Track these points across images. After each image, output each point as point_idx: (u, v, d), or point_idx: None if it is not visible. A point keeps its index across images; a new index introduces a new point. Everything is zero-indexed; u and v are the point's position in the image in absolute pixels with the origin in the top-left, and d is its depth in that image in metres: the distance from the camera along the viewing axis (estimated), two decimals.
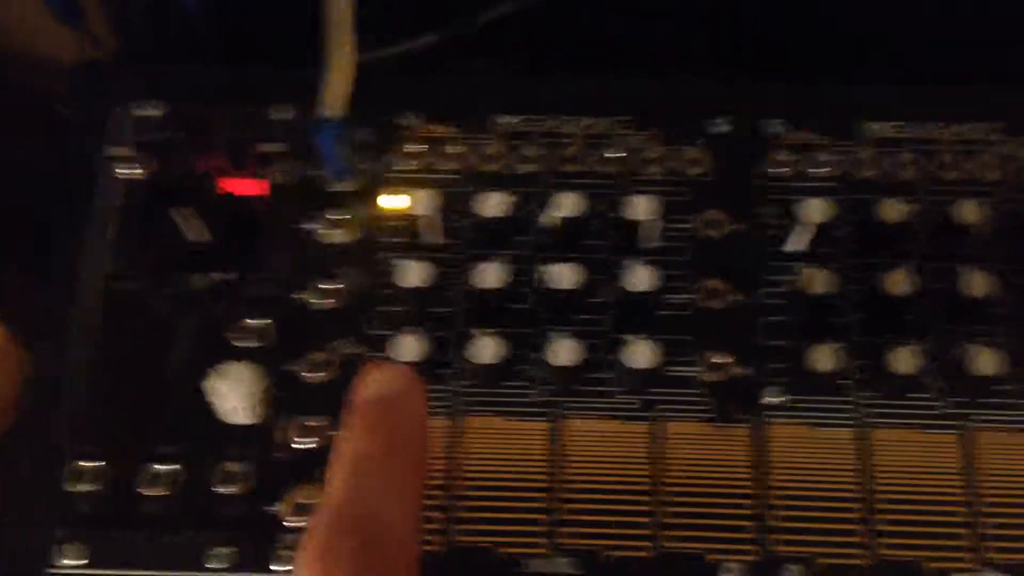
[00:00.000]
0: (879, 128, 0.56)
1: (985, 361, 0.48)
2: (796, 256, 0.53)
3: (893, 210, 0.51)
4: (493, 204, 0.52)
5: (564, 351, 0.49)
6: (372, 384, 0.41)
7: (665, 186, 0.55)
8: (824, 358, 0.48)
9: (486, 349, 0.49)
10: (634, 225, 0.52)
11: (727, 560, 0.47)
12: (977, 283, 0.49)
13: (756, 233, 0.54)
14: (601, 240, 0.53)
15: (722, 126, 0.56)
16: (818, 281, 0.50)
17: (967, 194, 0.53)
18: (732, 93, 0.57)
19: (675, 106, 0.57)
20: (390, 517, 0.38)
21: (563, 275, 0.50)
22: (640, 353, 0.49)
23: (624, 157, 0.55)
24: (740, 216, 0.54)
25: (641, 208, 0.51)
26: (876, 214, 0.51)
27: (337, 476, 0.39)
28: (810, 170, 0.55)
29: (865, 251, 0.52)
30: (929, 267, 0.52)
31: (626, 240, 0.53)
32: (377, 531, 0.37)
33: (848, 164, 0.55)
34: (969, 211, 0.51)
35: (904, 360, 0.48)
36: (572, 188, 0.53)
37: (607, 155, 0.56)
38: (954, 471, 0.49)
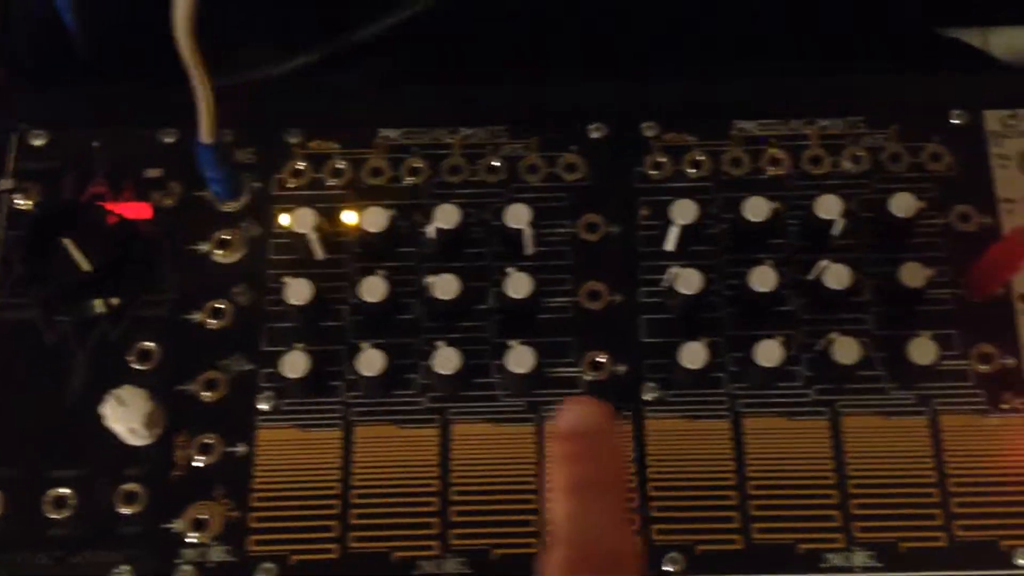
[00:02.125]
0: (748, 126, 0.59)
1: (849, 349, 0.52)
2: (671, 256, 0.56)
3: (758, 207, 0.54)
4: (375, 218, 0.55)
5: (448, 359, 0.52)
6: (574, 417, 0.44)
7: (544, 192, 0.58)
8: (696, 353, 0.52)
9: (374, 360, 0.52)
10: (514, 232, 0.55)
11: None
12: (838, 275, 0.53)
13: (633, 235, 0.57)
14: (483, 248, 0.56)
15: (598, 131, 0.59)
16: (689, 279, 0.53)
17: (833, 188, 0.56)
18: (608, 98, 0.60)
19: (552, 113, 0.60)
20: (617, 545, 0.41)
21: (445, 285, 0.53)
22: (522, 357, 0.52)
23: (504, 166, 0.58)
24: (618, 219, 0.57)
25: (519, 216, 0.55)
26: (743, 212, 0.54)
27: (562, 509, 0.41)
28: (686, 171, 0.58)
29: (735, 248, 0.56)
30: (795, 261, 0.55)
31: (508, 247, 0.56)
32: (610, 561, 0.40)
33: (720, 163, 0.58)
34: (829, 205, 0.54)
35: (771, 352, 0.52)
36: (454, 199, 0.56)
37: (488, 164, 0.58)
38: (824, 455, 0.53)
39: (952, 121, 0.58)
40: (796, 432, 0.53)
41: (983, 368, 0.53)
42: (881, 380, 0.53)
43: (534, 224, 0.56)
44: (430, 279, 0.53)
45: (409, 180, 0.58)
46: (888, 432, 0.53)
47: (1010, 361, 0.53)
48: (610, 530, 0.41)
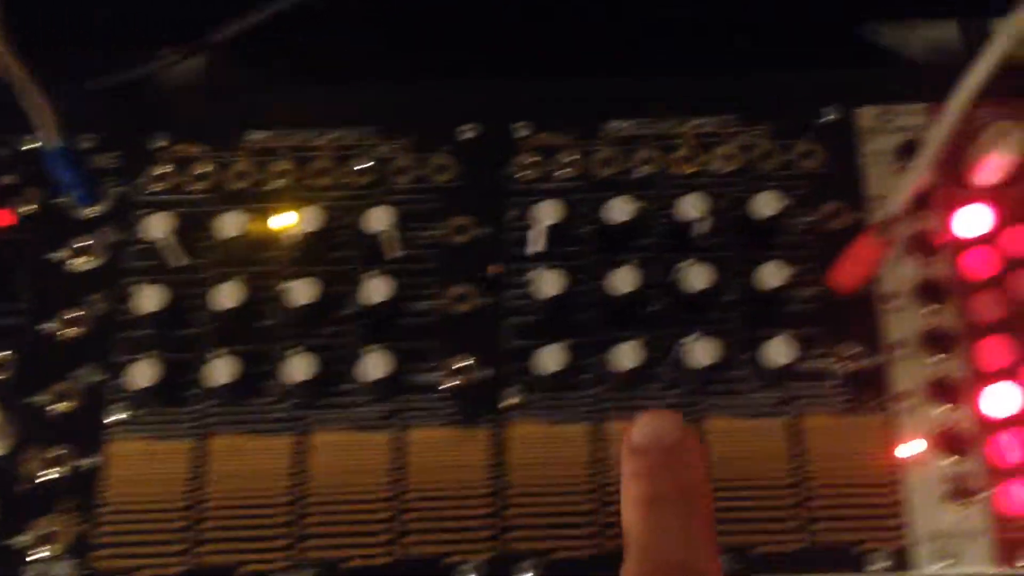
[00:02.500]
0: (619, 126, 0.59)
1: (708, 351, 0.52)
2: (538, 258, 0.56)
3: (621, 208, 0.54)
4: (233, 223, 0.54)
5: (303, 366, 0.52)
6: (650, 429, 0.44)
7: (413, 195, 0.57)
8: (554, 357, 0.52)
9: (227, 368, 0.52)
10: (376, 236, 0.55)
11: (464, 561, 0.51)
12: (697, 276, 0.53)
13: (502, 237, 0.56)
14: (347, 252, 0.56)
15: (469, 132, 0.59)
16: (548, 281, 0.53)
17: (703, 187, 0.56)
18: (480, 98, 0.60)
19: (424, 114, 0.59)
20: (695, 558, 0.41)
21: (303, 290, 0.53)
22: (378, 362, 0.52)
23: (373, 167, 0.58)
24: (487, 221, 0.57)
25: (381, 219, 0.54)
26: (606, 212, 0.54)
27: (636, 522, 0.42)
28: (555, 172, 0.58)
29: (601, 249, 0.55)
30: (661, 261, 0.55)
31: (372, 251, 0.56)
32: (695, 569, 0.40)
33: (591, 163, 0.58)
34: (692, 204, 0.54)
35: (628, 354, 0.52)
36: (320, 202, 0.56)
37: (356, 167, 0.58)
38: None
39: (824, 118, 0.58)
40: None
41: (845, 367, 0.52)
42: (744, 381, 0.53)
43: (400, 227, 0.55)
44: (288, 284, 0.52)
45: (275, 183, 0.57)
46: (749, 433, 0.52)
47: (873, 360, 0.53)
48: (685, 544, 0.41)
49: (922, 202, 0.56)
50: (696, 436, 0.46)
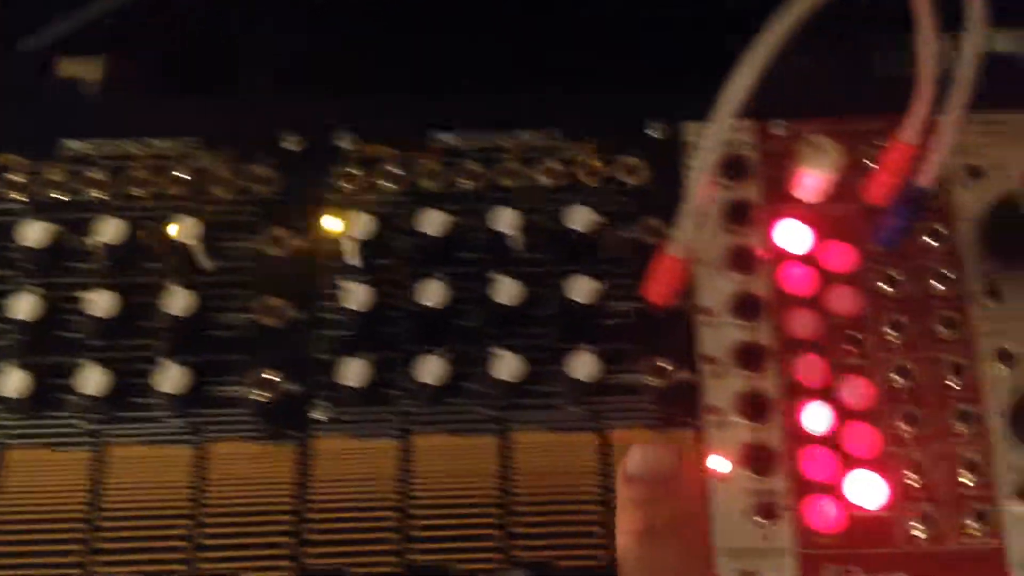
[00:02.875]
0: (447, 138, 0.59)
1: (516, 365, 0.51)
2: (356, 271, 0.55)
3: (434, 221, 0.54)
4: (35, 232, 0.53)
5: (97, 378, 0.51)
6: (646, 459, 0.45)
7: (234, 206, 0.57)
8: (358, 371, 0.51)
9: (19, 381, 0.51)
10: (183, 247, 0.54)
11: None
12: (510, 290, 0.52)
13: (320, 249, 0.56)
14: (153, 264, 0.55)
15: (293, 143, 0.58)
16: (357, 295, 0.52)
17: (525, 202, 0.56)
18: (306, 109, 0.59)
19: (246, 124, 0.59)
20: None
21: (102, 302, 0.52)
22: (175, 376, 0.51)
23: (193, 179, 0.57)
24: (305, 233, 0.56)
25: (188, 230, 0.54)
26: (419, 225, 0.54)
27: (630, 552, 0.43)
28: (379, 183, 0.57)
29: (417, 263, 0.55)
30: (474, 275, 0.55)
31: (185, 263, 0.55)
32: None
33: (415, 176, 0.58)
34: (506, 219, 0.54)
35: (434, 368, 0.51)
36: (132, 213, 0.56)
37: (176, 177, 0.57)
38: (491, 473, 0.52)
39: (649, 133, 0.58)
40: (465, 450, 0.52)
41: (656, 382, 0.52)
42: (554, 396, 0.52)
43: (214, 238, 0.54)
44: (87, 295, 0.52)
45: (90, 194, 0.56)
46: (558, 448, 0.52)
47: (684, 374, 0.53)
48: (681, 572, 0.42)
49: (743, 217, 0.55)
50: (693, 467, 0.47)
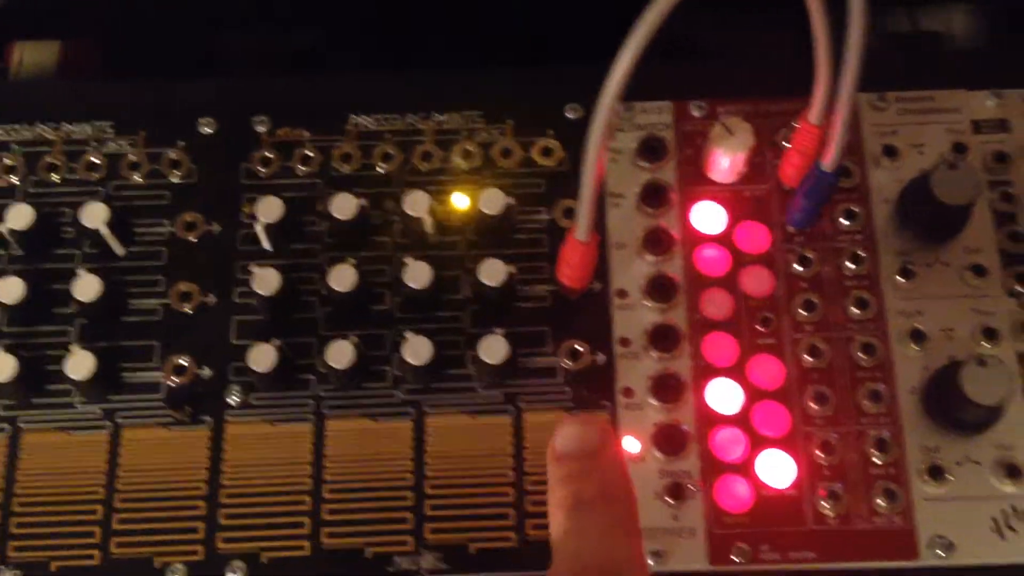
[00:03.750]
0: (364, 121, 0.59)
1: (428, 349, 0.52)
2: (269, 255, 0.56)
3: (345, 205, 0.55)
4: None
5: (8, 365, 0.51)
6: (571, 435, 0.45)
7: (147, 190, 0.58)
8: (266, 355, 0.52)
9: None
10: (95, 233, 0.55)
11: (174, 562, 0.51)
12: (417, 274, 0.53)
13: (233, 234, 0.57)
14: (70, 250, 0.56)
15: (209, 126, 0.59)
16: (265, 280, 0.53)
17: (442, 184, 0.57)
18: (222, 93, 0.60)
19: (161, 109, 0.59)
20: (618, 559, 0.42)
21: (8, 289, 0.52)
22: (86, 362, 0.52)
23: (105, 163, 0.58)
24: (219, 218, 0.57)
25: (95, 215, 0.54)
26: (330, 209, 0.55)
27: (560, 527, 0.43)
28: (295, 167, 0.58)
29: (329, 247, 0.56)
30: (388, 259, 0.56)
31: (96, 248, 0.56)
32: (620, 567, 0.41)
33: (330, 159, 0.58)
34: (416, 202, 0.55)
35: (342, 353, 0.52)
36: (41, 198, 0.57)
37: (89, 161, 0.58)
38: (404, 456, 0.53)
39: (567, 115, 0.59)
40: (380, 434, 0.53)
41: (570, 364, 0.53)
42: (471, 379, 0.53)
43: (130, 223, 0.55)
44: None
45: (3, 179, 0.57)
46: (472, 431, 0.53)
47: (598, 357, 0.54)
48: (610, 545, 0.42)
49: (660, 199, 0.57)
50: (618, 440, 0.47)
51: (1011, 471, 0.51)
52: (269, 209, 0.54)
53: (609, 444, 0.45)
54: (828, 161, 0.50)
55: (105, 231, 0.54)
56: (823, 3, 0.43)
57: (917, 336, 0.53)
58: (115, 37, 0.66)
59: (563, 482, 0.44)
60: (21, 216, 0.54)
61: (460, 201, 0.56)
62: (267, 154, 0.58)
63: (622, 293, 0.55)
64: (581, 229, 0.50)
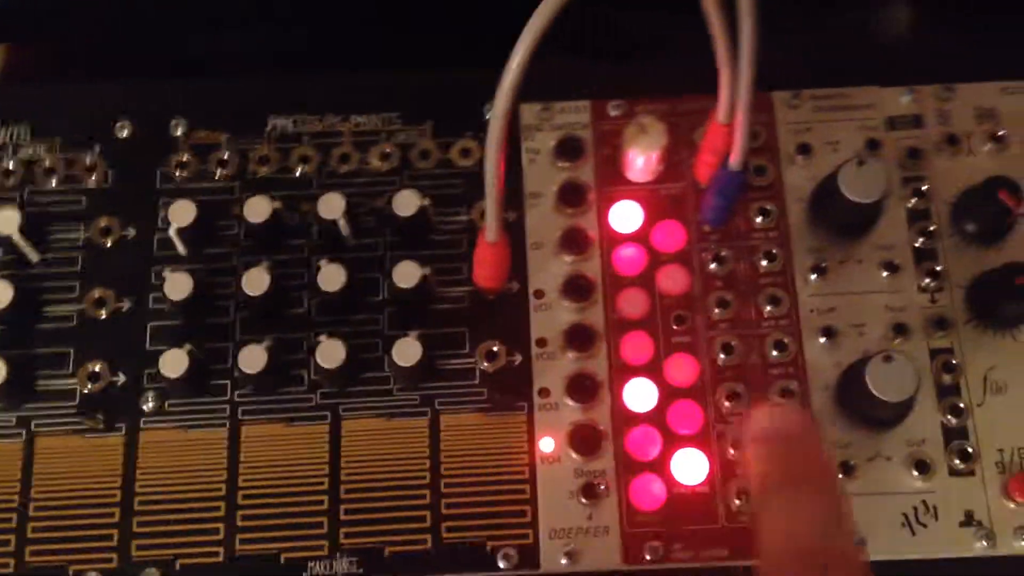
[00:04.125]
0: (282, 123, 0.59)
1: (342, 353, 0.53)
2: (184, 260, 0.56)
3: (258, 208, 0.55)
4: None
5: None
6: (774, 419, 0.45)
7: (62, 196, 0.57)
8: (178, 361, 0.52)
9: None
10: (7, 240, 0.54)
11: (88, 570, 0.51)
12: (335, 277, 0.53)
13: (149, 239, 0.57)
14: None
15: (124, 129, 0.59)
16: (175, 284, 0.53)
17: (360, 186, 0.58)
18: (139, 95, 0.60)
19: (78, 111, 0.59)
20: (832, 541, 0.41)
21: None
22: None
23: (18, 168, 0.58)
24: (135, 222, 0.57)
25: (9, 222, 0.54)
26: (245, 213, 0.55)
27: (768, 509, 0.42)
28: (212, 170, 0.58)
29: (244, 250, 0.56)
30: (303, 261, 0.57)
31: (11, 255, 0.56)
32: (835, 558, 0.40)
33: (247, 162, 0.58)
34: (331, 205, 0.55)
35: (254, 357, 0.52)
36: None
37: (3, 168, 0.58)
38: (320, 461, 0.53)
39: (486, 116, 0.59)
40: (295, 438, 0.53)
41: (488, 366, 0.54)
42: (384, 382, 0.54)
43: (45, 229, 0.55)
44: None
45: None
46: (389, 434, 0.53)
47: (515, 358, 0.54)
48: (822, 527, 0.41)
49: (578, 198, 0.57)
50: (819, 426, 0.47)
51: (921, 467, 0.52)
52: (182, 213, 0.54)
53: (811, 428, 0.46)
54: (734, 160, 0.50)
55: (18, 238, 0.54)
56: (719, 4, 0.43)
57: (829, 333, 0.54)
58: (75, 40, 0.66)
59: (768, 463, 0.44)
60: None
61: None
62: (184, 157, 0.58)
63: (539, 293, 0.56)
64: (489, 230, 0.50)
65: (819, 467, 0.44)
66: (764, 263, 0.55)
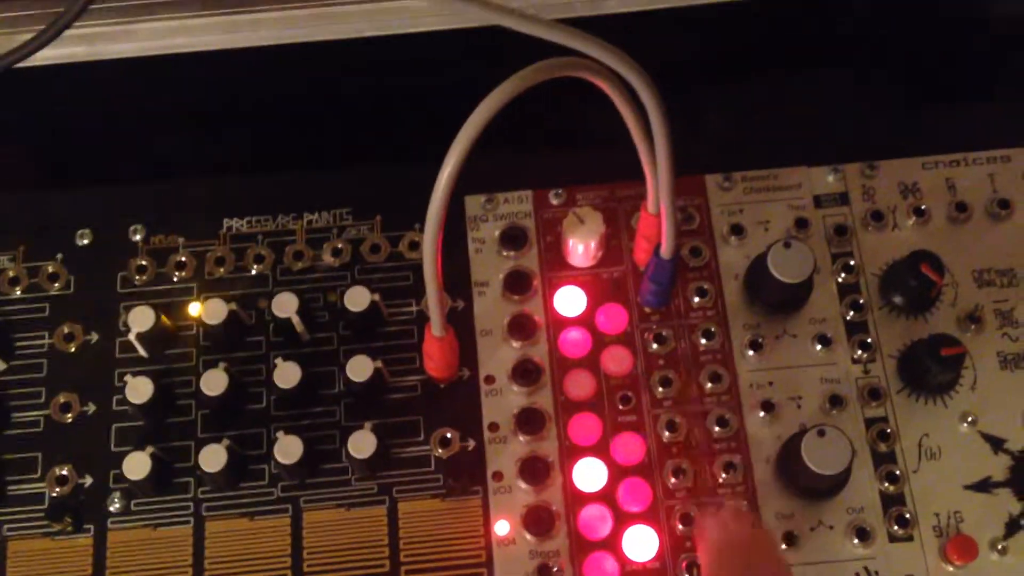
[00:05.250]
0: (237, 224, 0.61)
1: (298, 447, 0.54)
2: (144, 361, 0.58)
3: (215, 310, 0.57)
4: None
5: None
6: (723, 526, 0.48)
7: (25, 303, 0.59)
8: (140, 464, 0.54)
9: None
10: None
11: None
12: (290, 373, 0.55)
13: (112, 343, 0.58)
14: None
15: (84, 238, 0.61)
16: (137, 388, 0.55)
17: (313, 281, 0.60)
18: (98, 203, 0.62)
19: (39, 222, 0.61)
20: None
21: None
22: None
23: None
24: (97, 327, 0.59)
25: None
26: (202, 316, 0.57)
27: None
28: (170, 273, 0.60)
29: (202, 350, 0.58)
30: (262, 358, 0.59)
31: None
32: None
33: (205, 263, 0.60)
34: (284, 303, 0.57)
35: (223, 454, 0.54)
36: None
37: None
38: (282, 553, 0.55)
39: None
40: (257, 532, 0.55)
41: (442, 452, 0.55)
42: (346, 472, 0.55)
43: (11, 336, 0.57)
44: None
45: None
46: (348, 524, 0.55)
47: (469, 443, 0.56)
48: None
49: (523, 286, 0.59)
50: (771, 534, 0.50)
51: (861, 534, 0.54)
52: (141, 319, 0.56)
53: (761, 536, 0.49)
54: (664, 250, 0.52)
55: None
56: (628, 102, 0.46)
57: (768, 406, 0.56)
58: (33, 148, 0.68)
59: (718, 569, 0.47)
60: None
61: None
62: (142, 262, 0.60)
63: (489, 379, 0.58)
64: (435, 325, 0.52)
65: (765, 570, 0.46)
66: (703, 341, 0.57)
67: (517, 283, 0.59)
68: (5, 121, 0.66)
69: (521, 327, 0.59)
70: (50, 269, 0.60)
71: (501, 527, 0.55)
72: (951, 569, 0.53)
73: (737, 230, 0.60)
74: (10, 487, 0.55)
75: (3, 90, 0.58)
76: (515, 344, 0.58)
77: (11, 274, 0.60)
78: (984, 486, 0.54)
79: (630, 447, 0.56)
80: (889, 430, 0.56)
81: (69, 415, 0.57)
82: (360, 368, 0.55)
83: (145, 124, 0.66)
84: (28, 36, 0.54)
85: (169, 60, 0.63)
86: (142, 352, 0.57)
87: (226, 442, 0.54)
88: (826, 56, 0.69)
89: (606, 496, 0.55)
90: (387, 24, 0.64)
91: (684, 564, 0.54)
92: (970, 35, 0.69)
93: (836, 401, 0.56)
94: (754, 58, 0.68)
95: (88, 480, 0.56)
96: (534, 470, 0.56)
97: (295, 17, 0.64)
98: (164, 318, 0.57)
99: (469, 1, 0.44)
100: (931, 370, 0.55)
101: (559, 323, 0.59)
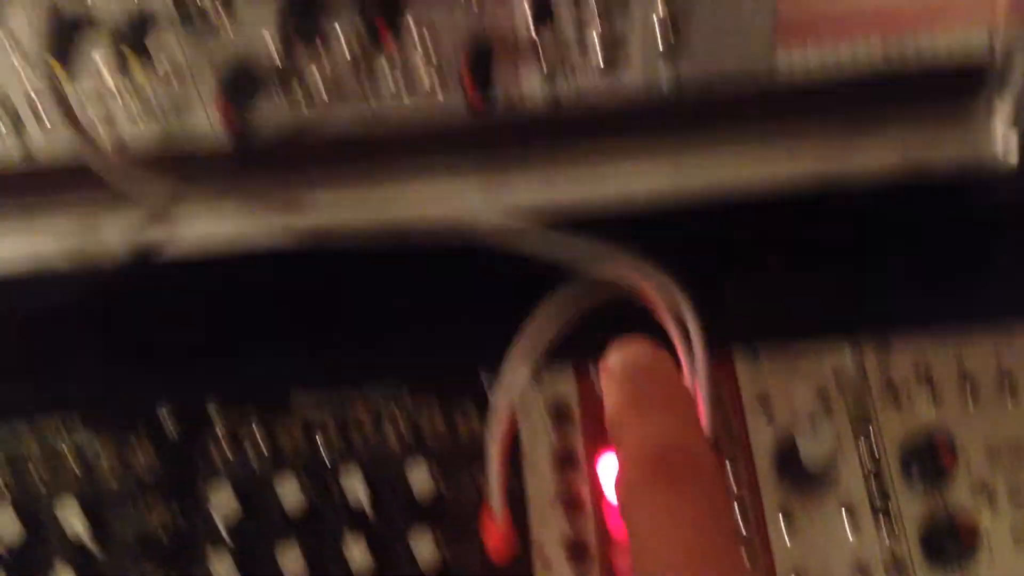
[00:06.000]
0: (306, 401, 0.66)
1: None
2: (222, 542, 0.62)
3: (292, 490, 0.62)
4: None
5: None
6: (625, 353, 0.48)
7: (113, 482, 0.64)
8: None
9: None
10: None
11: None
12: (360, 556, 0.60)
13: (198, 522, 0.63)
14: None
15: (168, 416, 0.66)
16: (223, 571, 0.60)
17: (376, 462, 0.64)
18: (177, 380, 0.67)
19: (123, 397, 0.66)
20: (688, 439, 0.43)
21: None
22: None
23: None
24: (182, 506, 0.64)
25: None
26: (280, 496, 0.62)
27: (626, 425, 0.44)
28: (248, 453, 0.65)
29: (279, 534, 0.63)
30: (330, 542, 0.62)
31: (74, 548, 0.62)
32: (689, 460, 0.42)
33: (279, 444, 0.65)
34: (354, 485, 0.62)
35: None
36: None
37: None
38: None
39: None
40: None
41: None
42: None
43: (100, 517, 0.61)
44: None
45: None
46: None
47: None
48: (678, 429, 0.43)
49: (570, 462, 0.64)
50: (669, 356, 0.50)
51: None
52: (223, 500, 0.60)
53: (660, 359, 0.48)
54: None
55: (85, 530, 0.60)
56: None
57: None
58: None
59: (623, 389, 0.47)
60: None
61: None
62: (223, 439, 0.64)
63: (545, 557, 0.62)
64: (495, 504, 0.57)
65: (670, 386, 0.47)
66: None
67: (564, 460, 0.64)
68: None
69: (570, 501, 0.63)
70: (137, 447, 0.64)
71: None
72: None
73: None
74: None
75: None
76: (563, 521, 0.63)
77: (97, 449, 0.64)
78: None
79: None
80: None
81: None
82: (425, 550, 0.60)
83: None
84: None
85: None
86: (223, 532, 0.62)
87: None
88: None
89: None
90: None
91: None
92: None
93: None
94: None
95: None
96: None
97: None
98: None
99: None
100: (949, 544, 0.60)
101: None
